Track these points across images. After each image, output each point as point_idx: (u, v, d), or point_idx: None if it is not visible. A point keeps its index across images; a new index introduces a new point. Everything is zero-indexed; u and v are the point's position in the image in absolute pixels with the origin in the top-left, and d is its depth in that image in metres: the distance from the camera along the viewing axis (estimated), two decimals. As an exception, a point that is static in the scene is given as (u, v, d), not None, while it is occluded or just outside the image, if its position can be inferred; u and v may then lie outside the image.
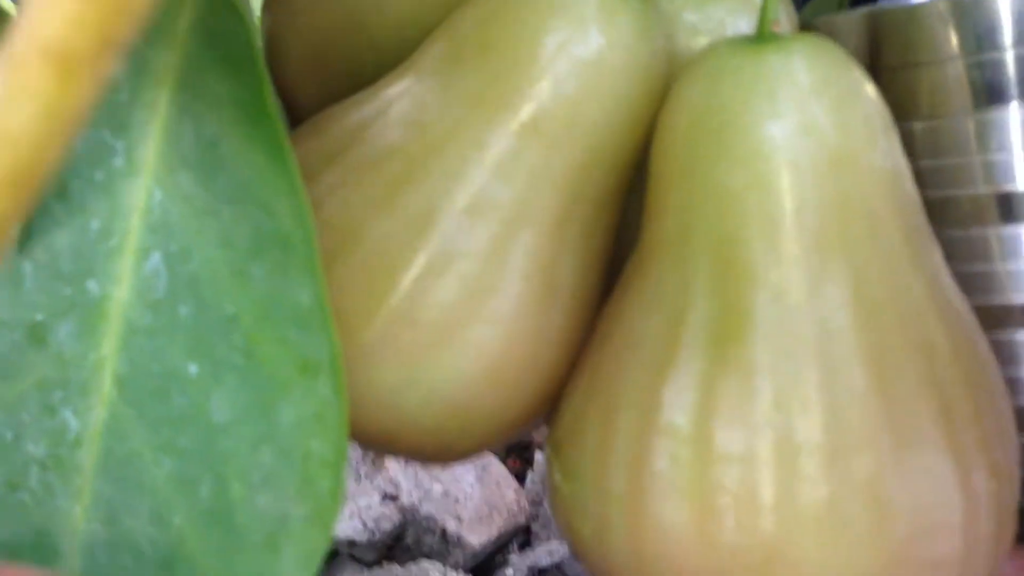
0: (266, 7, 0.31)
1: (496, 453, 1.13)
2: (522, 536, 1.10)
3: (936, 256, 0.24)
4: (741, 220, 0.23)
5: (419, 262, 0.24)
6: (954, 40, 0.25)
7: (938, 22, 0.25)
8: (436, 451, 0.27)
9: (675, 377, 0.23)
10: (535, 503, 1.09)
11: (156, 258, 0.18)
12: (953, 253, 0.25)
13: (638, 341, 0.24)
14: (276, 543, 0.17)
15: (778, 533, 0.22)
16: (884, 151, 0.23)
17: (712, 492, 0.23)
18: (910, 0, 0.26)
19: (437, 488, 1.01)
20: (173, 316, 0.18)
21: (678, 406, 0.23)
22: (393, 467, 1.04)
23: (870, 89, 0.24)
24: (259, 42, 0.24)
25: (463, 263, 0.24)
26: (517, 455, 1.18)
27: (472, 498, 1.01)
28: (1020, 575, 0.29)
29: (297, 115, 0.30)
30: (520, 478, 1.13)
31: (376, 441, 0.27)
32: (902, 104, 0.25)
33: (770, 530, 0.22)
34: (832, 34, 0.26)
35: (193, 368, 0.18)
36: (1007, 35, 0.25)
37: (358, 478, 1.01)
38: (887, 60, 0.26)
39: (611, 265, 0.27)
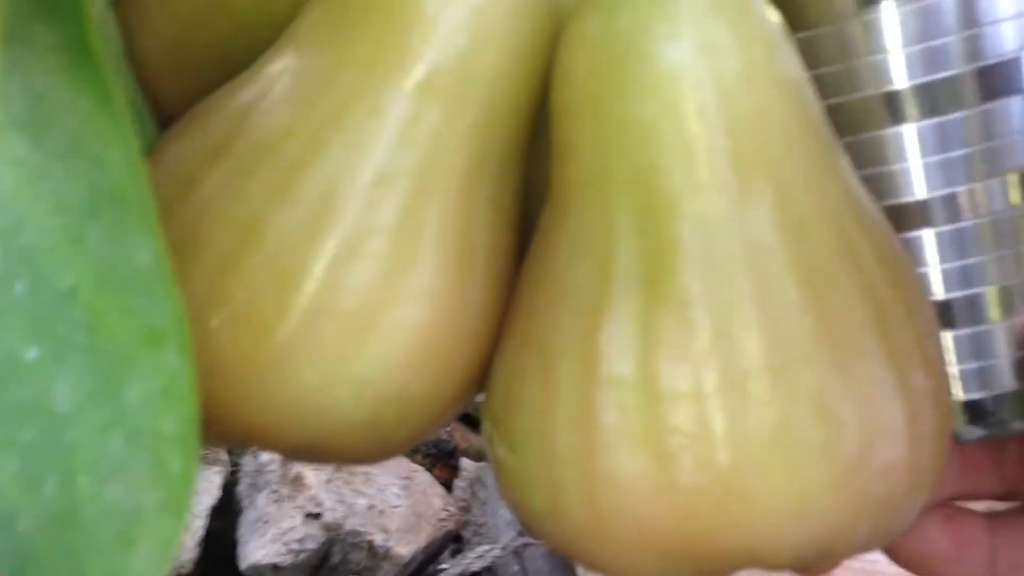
0: (116, 4, 0.29)
1: (422, 463, 1.11)
2: (453, 543, 1.08)
3: (845, 163, 0.24)
4: (656, 150, 0.22)
5: (329, 247, 0.23)
6: None
7: None
8: (372, 447, 0.25)
9: (611, 323, 0.22)
10: (464, 509, 1.08)
11: (-14, 233, 0.16)
12: (850, 159, 0.25)
13: (567, 291, 0.23)
14: (129, 537, 0.16)
15: (735, 464, 0.22)
16: (785, 61, 0.23)
17: (665, 434, 0.22)
18: None
19: (361, 502, 0.98)
20: (8, 296, 0.16)
21: (618, 353, 0.22)
22: (314, 485, 1.01)
23: (763, 2, 0.23)
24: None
25: (376, 241, 0.23)
26: (443, 463, 1.16)
27: (398, 509, 0.98)
28: (952, 541, 0.29)
29: (169, 113, 0.28)
30: (447, 486, 1.11)
31: (306, 449, 0.25)
32: (790, 14, 0.25)
33: (727, 462, 0.22)
34: None
35: (33, 352, 0.16)
36: None
37: (279, 500, 0.97)
38: None
39: (522, 221, 0.26)
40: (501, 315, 0.25)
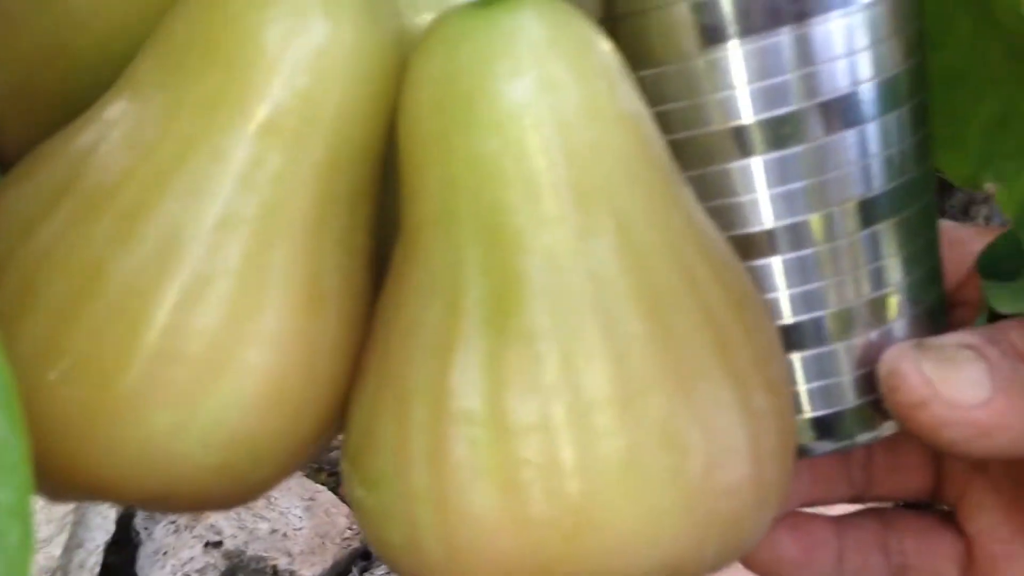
0: None
1: (326, 482, 1.09)
2: (362, 560, 1.08)
3: (687, 193, 0.25)
4: (500, 187, 0.22)
5: (173, 291, 0.22)
6: None
7: None
8: (228, 492, 0.25)
9: (460, 359, 0.23)
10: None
11: None
12: (697, 191, 0.26)
13: (418, 330, 0.23)
14: None
15: (585, 494, 0.22)
16: (625, 97, 0.23)
17: (515, 468, 0.22)
18: None
19: (263, 527, 0.97)
20: None
21: (468, 388, 0.22)
22: (214, 512, 0.99)
23: (601, 38, 0.24)
24: None
25: (221, 285, 0.23)
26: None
27: (302, 531, 0.97)
28: (800, 547, 0.30)
29: (13, 155, 0.27)
30: (353, 503, 1.10)
31: (158, 499, 0.24)
32: (637, 53, 0.26)
33: (577, 493, 0.22)
34: None
35: None
36: None
37: (177, 530, 0.95)
38: (618, 9, 0.26)
39: (376, 259, 0.26)
40: (357, 354, 0.25)
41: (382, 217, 0.26)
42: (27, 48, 0.27)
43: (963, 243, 0.30)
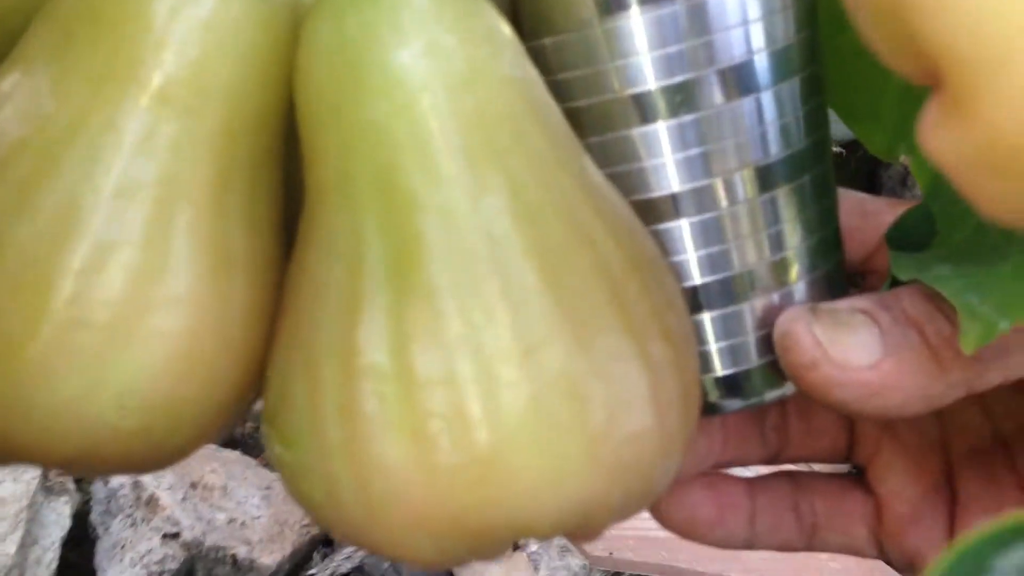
0: None
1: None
2: (324, 547, 1.08)
3: (581, 154, 0.25)
4: (393, 150, 0.23)
5: (75, 260, 0.23)
6: None
7: None
8: (149, 455, 0.25)
9: (365, 317, 0.23)
10: (331, 512, 1.07)
11: None
12: (601, 157, 0.26)
13: (325, 291, 0.24)
14: None
15: (491, 443, 0.23)
16: (511, 62, 0.24)
17: (423, 420, 0.23)
18: None
19: (220, 516, 0.97)
20: None
21: (373, 345, 0.23)
22: (169, 505, 0.99)
23: (486, 4, 0.24)
24: None
25: (123, 252, 0.23)
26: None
27: (260, 519, 0.97)
28: (713, 505, 0.31)
29: None
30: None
31: (79, 461, 0.25)
32: (536, 19, 0.26)
33: (484, 442, 0.23)
34: None
35: None
36: None
37: (134, 523, 0.95)
38: None
39: (289, 220, 0.26)
40: (271, 318, 0.26)
41: (292, 184, 0.26)
42: None
43: (875, 215, 0.31)
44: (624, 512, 0.25)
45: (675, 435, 0.25)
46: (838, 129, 0.30)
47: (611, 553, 1.00)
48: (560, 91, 0.26)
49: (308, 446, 0.24)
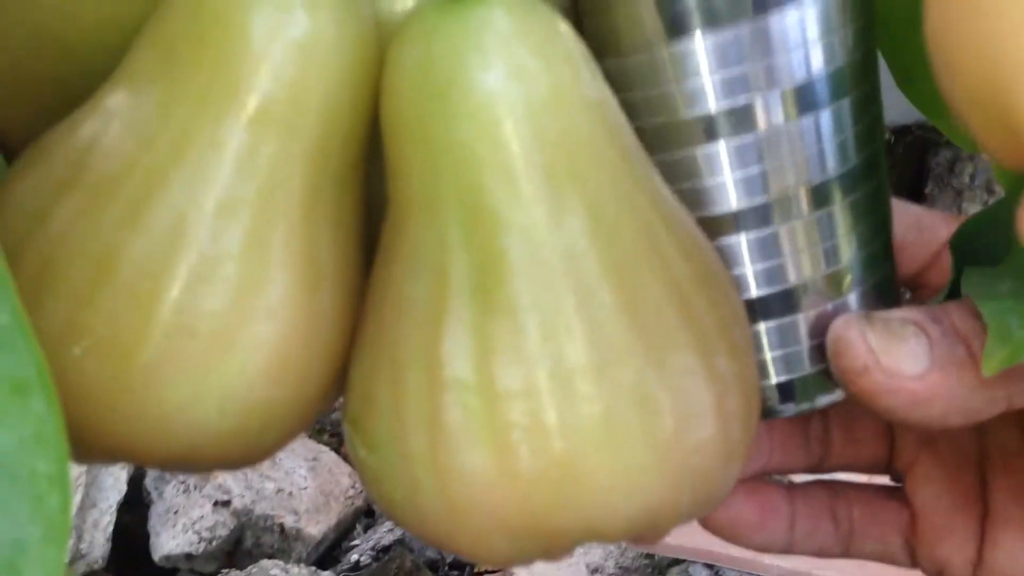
0: None
1: (328, 443, 1.12)
2: (365, 518, 1.10)
3: (653, 172, 0.26)
4: (478, 170, 0.24)
5: (182, 273, 0.24)
6: None
7: None
8: (244, 453, 0.27)
9: (449, 331, 0.24)
10: (374, 483, 1.09)
11: None
12: (668, 174, 0.27)
13: (410, 303, 0.25)
14: (16, 568, 0.17)
15: (567, 452, 0.24)
16: (589, 83, 0.25)
17: (504, 430, 0.24)
18: None
19: (270, 486, 0.99)
20: None
21: (458, 358, 0.24)
22: (222, 473, 1.02)
23: (566, 27, 0.25)
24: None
25: (225, 265, 0.24)
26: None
27: (307, 490, 1.00)
28: (755, 510, 0.32)
29: (11, 146, 0.29)
30: (356, 461, 1.12)
31: (180, 461, 0.26)
32: (604, 43, 0.27)
33: (560, 451, 0.24)
34: None
35: None
36: None
37: (187, 490, 0.98)
38: (585, 3, 0.28)
39: (368, 233, 0.27)
40: (353, 325, 0.27)
41: (372, 196, 0.27)
42: (20, 37, 0.28)
43: (931, 229, 0.32)
44: (689, 516, 0.26)
45: (737, 443, 0.26)
46: (889, 115, 0.31)
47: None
48: (629, 109, 0.27)
49: (391, 451, 0.25)
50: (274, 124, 0.24)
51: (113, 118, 0.25)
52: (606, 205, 0.24)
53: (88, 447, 0.25)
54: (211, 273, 0.24)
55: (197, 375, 0.24)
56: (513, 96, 0.24)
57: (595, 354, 0.24)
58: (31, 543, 0.17)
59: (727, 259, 0.28)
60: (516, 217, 0.24)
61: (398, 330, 0.25)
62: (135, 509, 0.99)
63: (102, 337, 0.24)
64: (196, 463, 0.26)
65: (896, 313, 0.28)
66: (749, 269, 0.29)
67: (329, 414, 1.11)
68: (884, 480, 0.34)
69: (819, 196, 0.28)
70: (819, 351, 0.29)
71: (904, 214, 0.32)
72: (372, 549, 0.98)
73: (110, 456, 0.26)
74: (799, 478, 0.34)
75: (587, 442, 0.24)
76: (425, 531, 0.26)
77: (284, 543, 0.98)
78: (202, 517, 0.96)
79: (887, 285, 0.30)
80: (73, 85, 0.26)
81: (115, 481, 0.95)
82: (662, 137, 0.28)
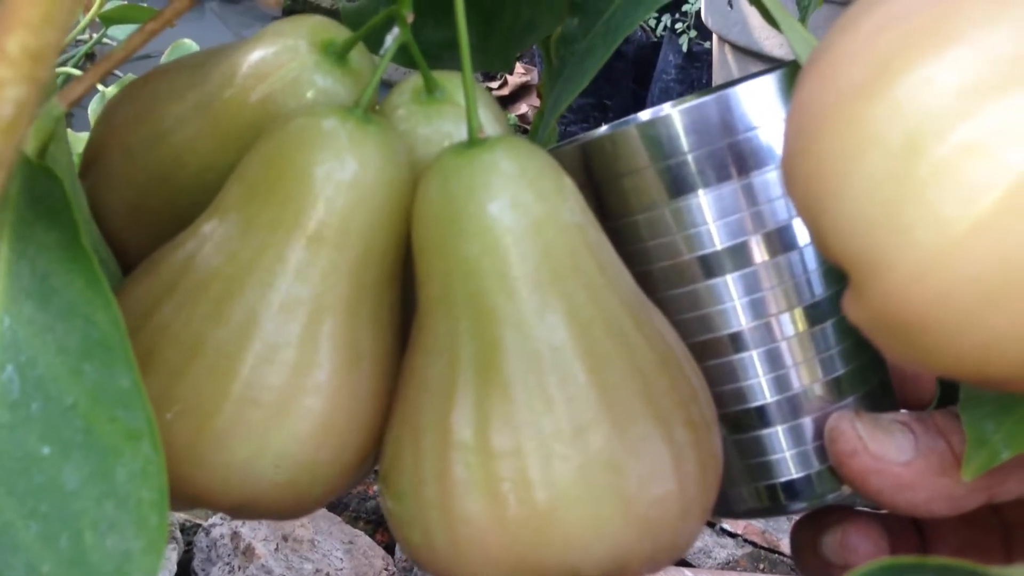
0: (82, 174, 0.38)
1: (364, 529, 1.17)
2: (398, 602, 1.14)
3: (628, 279, 0.33)
4: (482, 278, 0.31)
5: (251, 356, 0.31)
6: (645, 153, 0.34)
7: (632, 141, 0.34)
8: (293, 505, 0.33)
9: (458, 403, 0.31)
10: (406, 569, 1.14)
11: (10, 369, 0.24)
12: (673, 306, 0.34)
13: (429, 382, 0.32)
14: (124, 573, 0.23)
15: (548, 502, 0.30)
16: (572, 210, 0.32)
17: (497, 483, 0.30)
18: (608, 130, 0.35)
19: (308, 567, 1.05)
20: (27, 411, 0.23)
21: (463, 424, 0.31)
22: (264, 554, 1.07)
23: (555, 166, 0.32)
24: (74, 199, 0.29)
25: (285, 352, 0.31)
26: (385, 528, 1.23)
27: (343, 571, 1.05)
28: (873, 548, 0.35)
29: (128, 260, 0.36)
30: (390, 549, 1.17)
31: (242, 509, 0.33)
32: (615, 205, 0.34)
33: (542, 501, 0.30)
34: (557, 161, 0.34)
35: (46, 449, 0.23)
36: (684, 144, 0.34)
37: (232, 570, 1.03)
38: (598, 175, 0.35)
39: (405, 326, 0.34)
40: (388, 401, 0.34)
41: (407, 298, 0.34)
42: (141, 177, 0.36)
43: None
44: (655, 560, 0.32)
45: (692, 501, 0.32)
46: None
47: None
48: (638, 255, 0.34)
49: (411, 501, 0.32)
50: (326, 243, 0.32)
51: (206, 240, 0.32)
52: (582, 305, 0.31)
53: (175, 495, 0.32)
54: (273, 357, 0.31)
55: (259, 437, 0.31)
56: (510, 222, 0.31)
57: (571, 423, 0.30)
58: (135, 553, 0.23)
59: (744, 371, 0.34)
60: (510, 314, 0.31)
61: (419, 403, 0.32)
62: (182, 588, 1.04)
63: (188, 405, 0.31)
64: (257, 509, 0.33)
65: (885, 415, 0.33)
66: (761, 379, 0.35)
67: (364, 503, 1.17)
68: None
69: (811, 316, 0.34)
70: (823, 450, 0.34)
71: None
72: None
73: (192, 502, 0.33)
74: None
75: (564, 494, 0.30)
76: (437, 568, 0.32)
77: (321, 623, 1.02)
78: (245, 597, 1.01)
79: (883, 391, 0.36)
80: (183, 213, 0.34)
81: (165, 562, 1.01)
82: (670, 276, 0.34)
